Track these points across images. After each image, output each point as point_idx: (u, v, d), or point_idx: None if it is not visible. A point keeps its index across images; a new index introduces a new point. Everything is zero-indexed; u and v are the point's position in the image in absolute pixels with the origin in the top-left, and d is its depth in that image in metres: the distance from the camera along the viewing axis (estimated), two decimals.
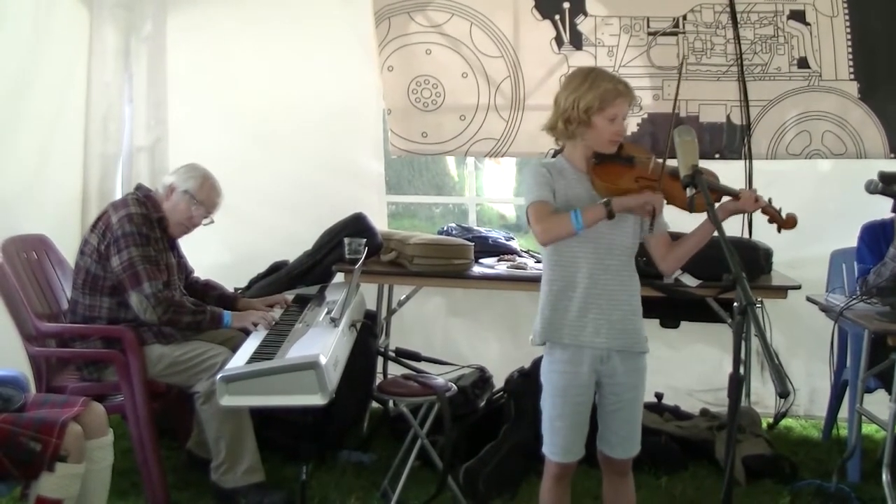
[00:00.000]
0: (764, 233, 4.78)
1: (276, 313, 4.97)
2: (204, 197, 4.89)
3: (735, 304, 2.93)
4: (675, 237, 3.70)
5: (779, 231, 3.58)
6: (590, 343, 3.58)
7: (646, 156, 3.70)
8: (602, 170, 3.60)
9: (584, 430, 3.66)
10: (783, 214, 3.56)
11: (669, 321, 5.79)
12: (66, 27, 5.73)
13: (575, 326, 3.59)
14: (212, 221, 4.97)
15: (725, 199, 3.57)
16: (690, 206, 3.35)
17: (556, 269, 3.64)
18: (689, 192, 3.32)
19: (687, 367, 6.30)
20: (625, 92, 3.55)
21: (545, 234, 3.53)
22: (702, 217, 3.48)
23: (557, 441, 3.65)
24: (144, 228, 4.65)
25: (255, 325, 4.68)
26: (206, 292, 5.16)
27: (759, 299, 5.27)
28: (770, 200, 3.57)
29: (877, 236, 5.20)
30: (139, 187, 4.95)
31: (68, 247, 5.23)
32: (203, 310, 4.72)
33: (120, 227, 4.60)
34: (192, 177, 4.86)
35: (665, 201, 3.59)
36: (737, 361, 2.98)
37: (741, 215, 5.04)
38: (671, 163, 3.56)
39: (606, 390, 3.65)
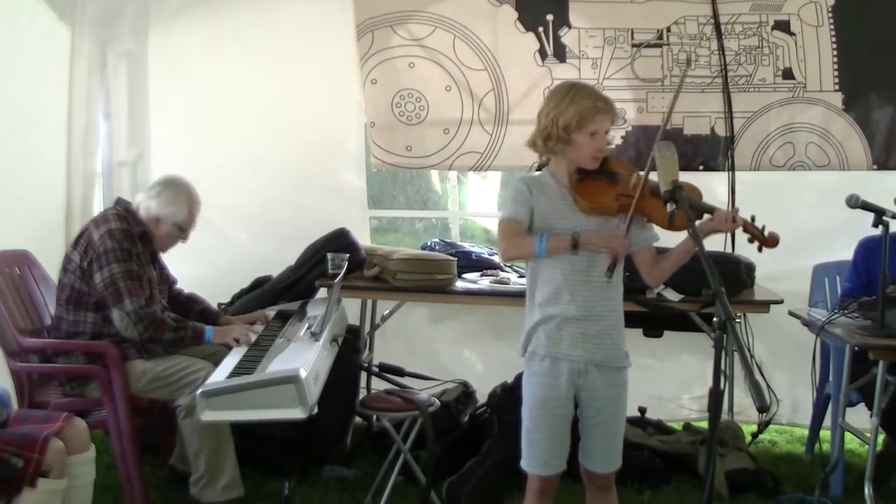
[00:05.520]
0: (746, 247, 4.76)
1: (258, 329, 4.97)
2: (191, 221, 4.90)
3: (714, 318, 2.90)
4: (660, 252, 3.69)
5: (759, 250, 3.51)
6: (566, 356, 3.56)
7: (629, 171, 3.66)
8: (584, 186, 3.59)
9: (564, 443, 3.63)
10: (766, 233, 3.48)
11: (652, 331, 5.78)
12: (46, 43, 5.69)
13: (553, 338, 3.57)
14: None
15: (707, 216, 3.48)
16: (671, 222, 3.34)
17: (538, 281, 3.64)
18: (668, 207, 3.31)
19: (671, 377, 6.34)
20: (604, 108, 3.53)
21: (507, 251, 3.74)
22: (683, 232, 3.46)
23: (535, 454, 3.63)
24: (126, 243, 4.63)
25: (237, 340, 4.68)
26: (189, 306, 5.16)
27: (738, 314, 5.28)
28: (753, 218, 3.49)
29: (873, 253, 5.05)
30: (119, 201, 4.93)
31: (51, 262, 5.18)
32: (185, 326, 4.71)
33: (102, 243, 4.58)
34: (177, 207, 4.81)
35: (646, 218, 3.60)
36: (717, 376, 2.98)
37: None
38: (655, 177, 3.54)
39: (586, 404, 3.63)
